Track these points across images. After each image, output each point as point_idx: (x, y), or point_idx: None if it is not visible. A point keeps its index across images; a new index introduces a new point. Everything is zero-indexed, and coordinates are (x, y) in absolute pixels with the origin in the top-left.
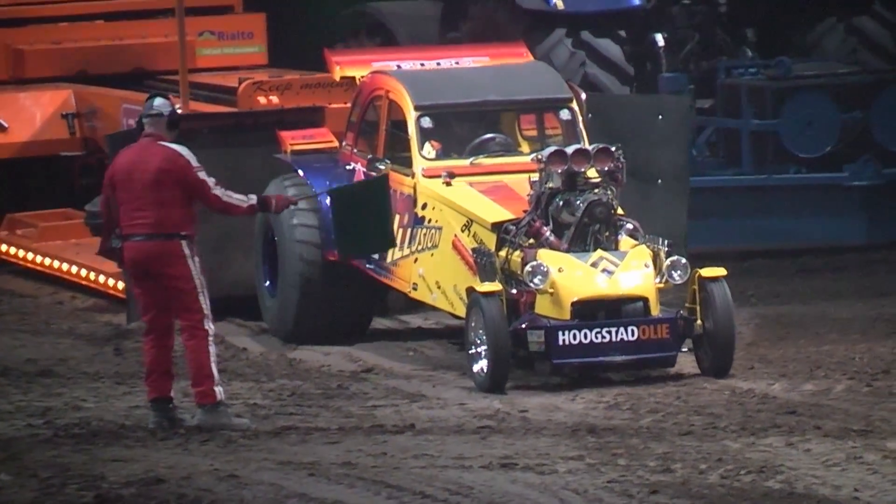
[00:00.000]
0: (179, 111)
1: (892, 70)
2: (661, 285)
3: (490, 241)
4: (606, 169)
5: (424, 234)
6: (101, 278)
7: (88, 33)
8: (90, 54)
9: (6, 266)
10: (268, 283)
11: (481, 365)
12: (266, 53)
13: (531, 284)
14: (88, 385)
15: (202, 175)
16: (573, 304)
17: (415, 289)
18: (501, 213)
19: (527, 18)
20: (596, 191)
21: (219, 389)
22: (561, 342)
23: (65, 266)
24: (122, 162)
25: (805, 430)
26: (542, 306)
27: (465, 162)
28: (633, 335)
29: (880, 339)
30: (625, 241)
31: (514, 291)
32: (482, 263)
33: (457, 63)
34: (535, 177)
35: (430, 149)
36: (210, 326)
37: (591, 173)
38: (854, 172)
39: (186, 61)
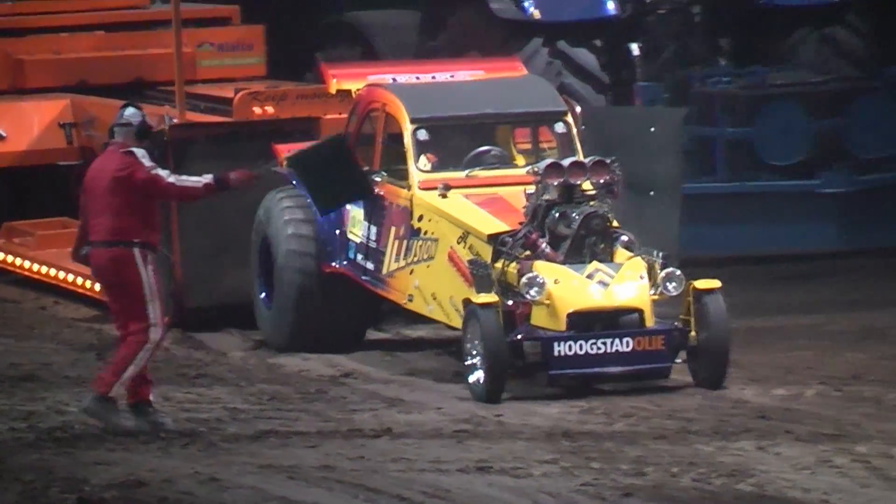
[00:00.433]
0: (174, 122)
1: (865, 79)
2: (656, 297)
3: (486, 252)
4: (602, 182)
5: (420, 246)
6: (98, 287)
7: (88, 44)
8: (90, 65)
9: (2, 275)
10: (263, 294)
11: (478, 376)
12: (265, 65)
13: (527, 296)
14: (71, 389)
15: (153, 171)
16: (569, 315)
17: (410, 300)
18: (497, 226)
19: (504, 28)
20: (592, 203)
21: (118, 390)
22: (557, 353)
23: (61, 274)
24: (90, 170)
25: (776, 435)
26: (538, 318)
27: (461, 174)
28: (628, 346)
29: (851, 346)
30: (620, 252)
31: (511, 303)
32: (478, 275)
33: (452, 76)
34: (531, 189)
35: (425, 161)
36: (152, 336)
37: (587, 186)
38: (827, 180)
39: (186, 72)
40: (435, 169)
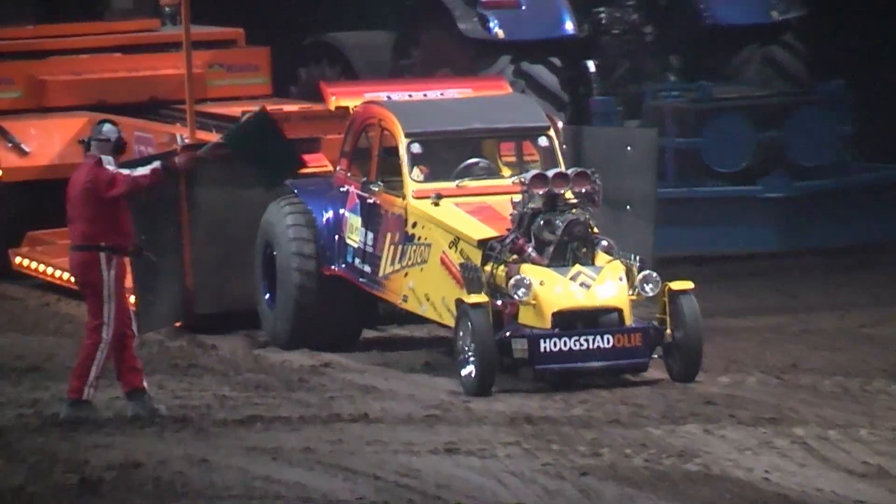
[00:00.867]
0: (186, 142)
1: (802, 93)
2: (634, 297)
3: (476, 256)
4: (584, 191)
5: (414, 251)
6: None
7: (106, 65)
8: (108, 85)
9: (23, 278)
10: (267, 296)
11: (469, 370)
12: (270, 84)
13: (515, 296)
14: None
15: (114, 171)
16: (554, 314)
17: (405, 300)
18: (486, 231)
19: (472, 47)
20: (574, 211)
21: (88, 390)
22: (543, 349)
23: (65, 276)
24: (70, 181)
25: (721, 419)
26: (525, 317)
27: (452, 184)
28: (608, 343)
29: (790, 337)
30: (600, 256)
31: (499, 303)
32: (469, 277)
33: (442, 94)
34: (517, 198)
35: (418, 172)
36: (104, 335)
37: (569, 195)
38: (768, 186)
39: (197, 91)
40: (427, 179)
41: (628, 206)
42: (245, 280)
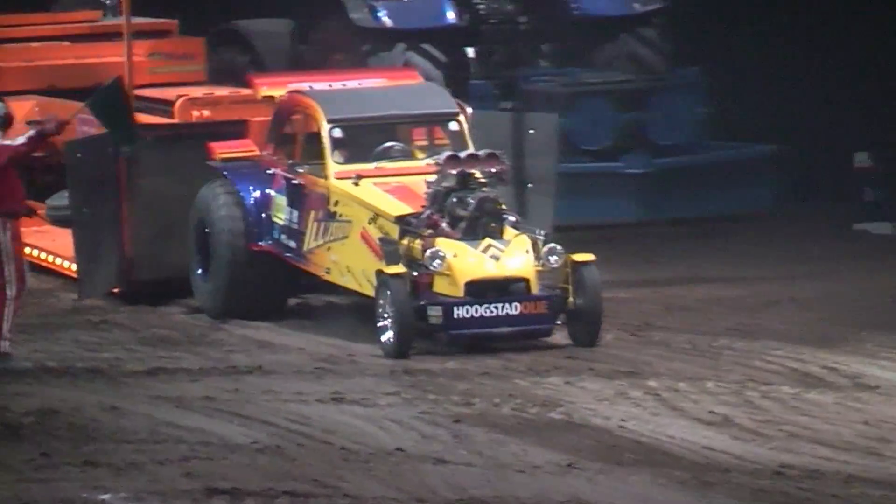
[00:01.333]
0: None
1: (661, 78)
2: (540, 268)
3: (393, 231)
4: (493, 171)
5: (336, 227)
6: (58, 260)
7: (56, 53)
8: (57, 71)
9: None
10: (200, 270)
11: (388, 336)
12: (204, 71)
13: (431, 267)
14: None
15: (1, 142)
16: (466, 283)
17: (328, 272)
18: (403, 208)
19: (361, 34)
20: (484, 189)
21: (4, 343)
22: (456, 316)
23: (27, 250)
24: None
25: (581, 372)
26: (440, 286)
27: (371, 166)
28: (516, 310)
29: (645, 297)
30: (508, 231)
31: (416, 274)
32: (387, 250)
33: (359, 84)
34: (431, 178)
35: (339, 155)
36: (9, 292)
37: (479, 174)
38: (629, 162)
39: (138, 78)
40: (347, 161)
41: (530, 185)
42: (180, 250)
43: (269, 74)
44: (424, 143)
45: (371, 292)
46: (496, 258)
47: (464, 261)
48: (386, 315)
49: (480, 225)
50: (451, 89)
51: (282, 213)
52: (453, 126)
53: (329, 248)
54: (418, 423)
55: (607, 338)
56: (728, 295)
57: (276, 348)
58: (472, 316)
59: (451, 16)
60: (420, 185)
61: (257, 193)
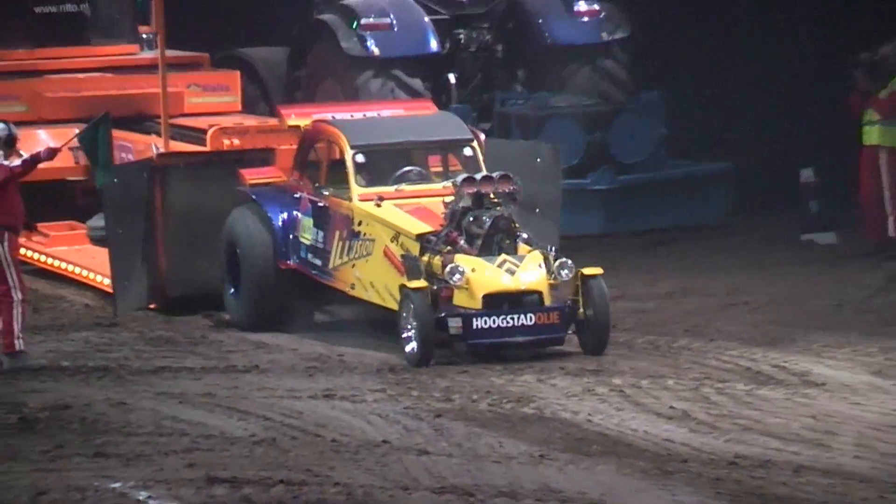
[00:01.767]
0: (160, 150)
1: (624, 101)
2: (552, 281)
3: (414, 248)
4: (507, 191)
5: (360, 245)
6: (98, 277)
7: (99, 84)
8: (100, 101)
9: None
10: (232, 290)
11: (412, 346)
12: (239, 102)
13: (451, 281)
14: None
15: (1, 163)
16: (484, 296)
17: (353, 288)
18: (423, 227)
19: (351, 61)
20: (499, 208)
21: (19, 342)
22: (475, 327)
23: (69, 267)
24: None
25: (552, 370)
26: (459, 299)
27: (391, 189)
28: (531, 320)
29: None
30: (522, 247)
31: (436, 288)
32: (409, 266)
33: (378, 114)
34: (448, 199)
35: (362, 179)
36: (15, 296)
37: (494, 195)
38: (595, 179)
39: (176, 107)
40: (370, 185)
41: (537, 210)
42: (210, 267)
43: (294, 105)
44: (439, 168)
45: (394, 306)
46: (511, 272)
47: (481, 275)
48: (409, 326)
49: (496, 242)
50: None
51: (308, 234)
52: (468, 151)
53: (354, 265)
54: (402, 417)
55: (575, 339)
56: (686, 300)
57: (270, 349)
58: (490, 326)
59: (433, 45)
60: (437, 205)
61: (284, 215)
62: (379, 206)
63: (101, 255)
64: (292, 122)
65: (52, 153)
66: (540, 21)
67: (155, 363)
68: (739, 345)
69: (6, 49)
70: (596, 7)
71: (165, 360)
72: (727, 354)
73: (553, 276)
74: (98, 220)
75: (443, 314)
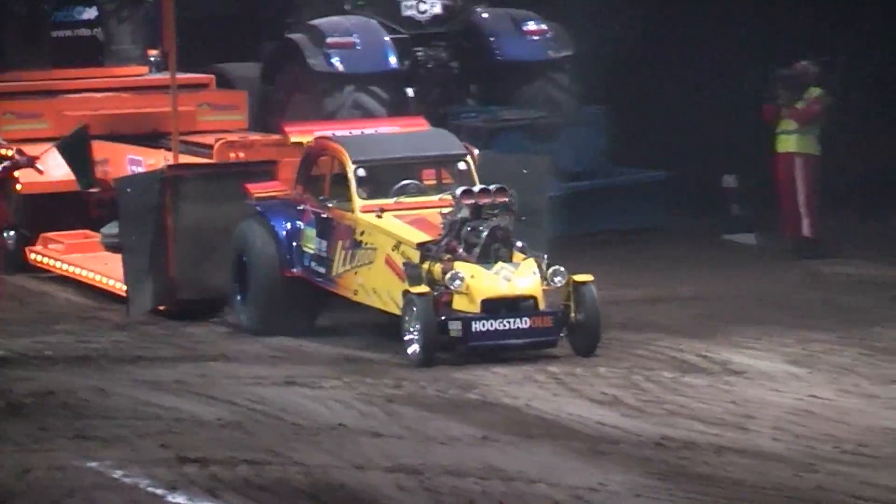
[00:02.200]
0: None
1: (570, 115)
2: (546, 287)
3: (415, 256)
4: (502, 202)
5: (362, 254)
6: (111, 282)
7: (116, 103)
8: (118, 119)
9: (41, 272)
10: (239, 297)
11: (414, 348)
12: (246, 120)
13: (451, 287)
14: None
15: None
16: (483, 301)
17: (356, 294)
18: (422, 237)
19: (318, 77)
20: (495, 219)
21: None
22: (474, 330)
23: (84, 272)
24: None
25: (494, 360)
26: (459, 304)
27: (391, 201)
28: (527, 324)
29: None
30: (517, 255)
31: (437, 293)
32: (411, 273)
33: (375, 131)
34: (446, 210)
35: (363, 192)
36: None
37: (490, 206)
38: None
39: (187, 125)
40: (370, 197)
41: (523, 218)
42: (218, 272)
43: (297, 123)
44: (433, 181)
45: (395, 310)
46: (508, 279)
47: (480, 281)
48: (412, 329)
49: (492, 250)
50: None
51: (311, 244)
52: (462, 165)
53: (356, 273)
54: (357, 402)
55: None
56: (620, 294)
57: (237, 340)
58: (488, 330)
59: (393, 61)
60: (435, 216)
61: (288, 226)
62: (380, 217)
63: (114, 261)
64: (295, 138)
65: (31, 161)
66: (492, 39)
67: (132, 353)
68: (667, 336)
69: (26, 70)
70: (544, 27)
71: (141, 349)
72: (655, 345)
73: (547, 282)
74: (111, 228)
75: (443, 318)
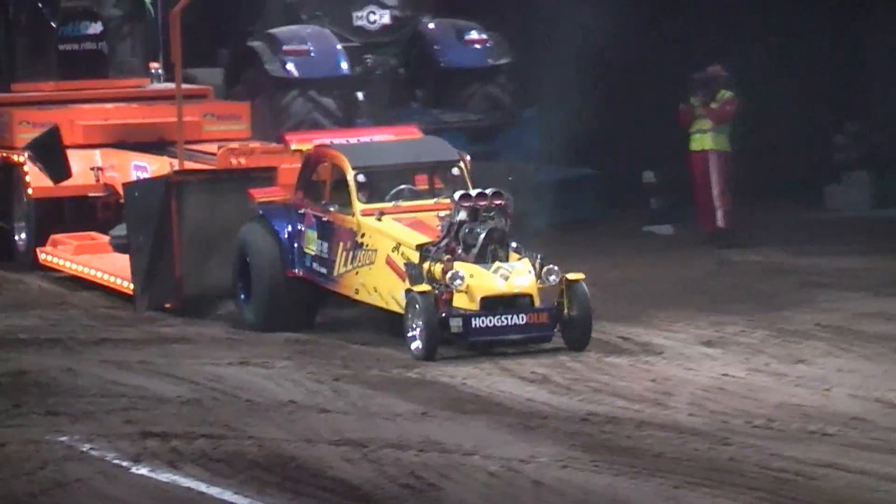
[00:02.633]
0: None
1: (509, 117)
2: (541, 286)
3: (414, 257)
4: (498, 205)
5: (363, 255)
6: (119, 281)
7: (125, 113)
8: (127, 128)
9: (50, 272)
10: (243, 296)
11: (417, 344)
12: (249, 130)
13: (452, 286)
14: None
15: None
16: (482, 299)
17: (357, 293)
18: (422, 238)
19: (275, 82)
20: (492, 221)
21: None
22: (474, 326)
23: (92, 272)
24: None
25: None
26: (459, 301)
27: (389, 204)
28: (523, 320)
29: None
30: (513, 255)
31: (437, 292)
32: (412, 273)
33: (371, 139)
34: (443, 213)
35: (362, 196)
36: None
37: (487, 209)
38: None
39: (193, 134)
40: (369, 201)
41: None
42: (221, 271)
43: (297, 132)
44: (426, 186)
45: (395, 308)
46: (505, 278)
47: (479, 280)
48: (415, 326)
49: (489, 251)
50: (345, 126)
51: (312, 245)
52: (456, 171)
53: (357, 273)
54: (306, 381)
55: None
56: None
57: (197, 324)
58: (487, 326)
59: (345, 67)
60: (432, 219)
61: (290, 229)
62: (380, 220)
63: (121, 261)
64: (296, 146)
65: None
66: (437, 48)
67: (99, 335)
68: (592, 319)
69: (35, 82)
70: (484, 37)
71: (108, 332)
72: None
73: (541, 280)
74: (119, 230)
75: (444, 315)
